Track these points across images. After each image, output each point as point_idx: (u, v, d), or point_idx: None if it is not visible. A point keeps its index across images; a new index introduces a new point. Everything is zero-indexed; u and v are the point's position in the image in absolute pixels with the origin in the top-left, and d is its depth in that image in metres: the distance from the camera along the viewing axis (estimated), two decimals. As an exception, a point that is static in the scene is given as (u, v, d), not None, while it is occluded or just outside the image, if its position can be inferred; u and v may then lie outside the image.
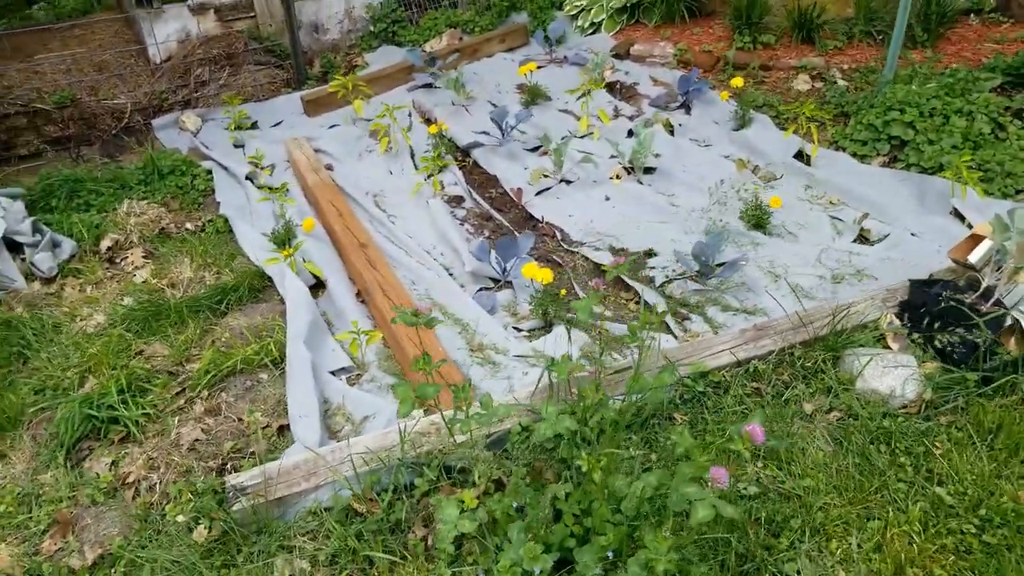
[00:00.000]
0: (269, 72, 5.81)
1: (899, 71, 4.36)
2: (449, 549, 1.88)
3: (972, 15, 5.71)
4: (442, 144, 4.31)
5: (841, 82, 4.86)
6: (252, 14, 5.80)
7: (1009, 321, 2.43)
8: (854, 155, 4.01)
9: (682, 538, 1.57)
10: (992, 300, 2.46)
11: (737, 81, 4.45)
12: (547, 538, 1.71)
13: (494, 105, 5.22)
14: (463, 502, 1.82)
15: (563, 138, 4.09)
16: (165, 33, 5.54)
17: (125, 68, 5.59)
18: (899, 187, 3.66)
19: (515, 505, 1.80)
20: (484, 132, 4.51)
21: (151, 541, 2.16)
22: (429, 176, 4.08)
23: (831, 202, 3.62)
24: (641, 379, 1.86)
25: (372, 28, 6.24)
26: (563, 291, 2.91)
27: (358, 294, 3.23)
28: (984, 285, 2.49)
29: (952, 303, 2.38)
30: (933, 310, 2.47)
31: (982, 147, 3.72)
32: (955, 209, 3.41)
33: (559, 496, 1.87)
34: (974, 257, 2.58)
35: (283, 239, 3.49)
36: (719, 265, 3.06)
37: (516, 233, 3.70)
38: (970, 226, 3.25)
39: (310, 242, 3.50)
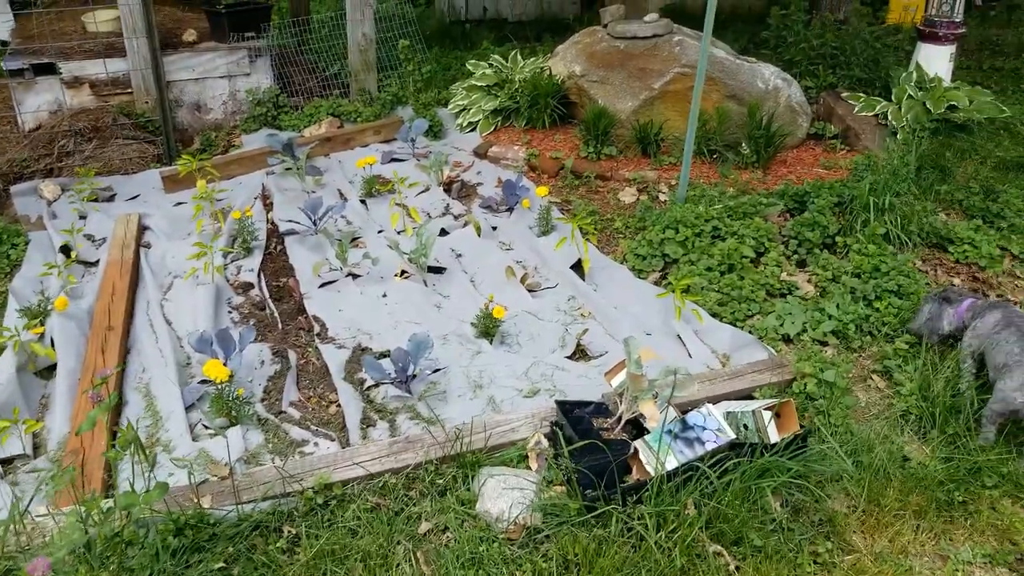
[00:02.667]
0: (139, 147, 5.99)
1: (690, 192, 4.54)
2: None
3: (814, 140, 5.99)
4: (246, 232, 4.42)
5: (663, 196, 5.05)
6: (129, 90, 6.03)
7: (632, 450, 2.48)
8: (633, 269, 4.14)
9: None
10: (620, 426, 2.51)
11: (542, 190, 4.63)
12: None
13: (342, 194, 5.41)
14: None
15: (376, 233, 4.21)
16: (37, 104, 5.76)
17: (-4, 134, 5.78)
18: (654, 305, 3.77)
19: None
20: (296, 221, 4.65)
21: None
22: (229, 259, 4.21)
23: (583, 315, 3.71)
24: (131, 495, 1.91)
25: (254, 111, 6.48)
26: (240, 391, 2.96)
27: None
28: (619, 411, 2.55)
29: (558, 427, 2.44)
30: (566, 433, 2.52)
31: (737, 270, 3.85)
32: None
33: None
34: (615, 382, 2.65)
35: (36, 315, 3.56)
36: (435, 371, 3.13)
37: (280, 324, 3.79)
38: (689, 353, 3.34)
39: (65, 321, 3.56)
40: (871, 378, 3.42)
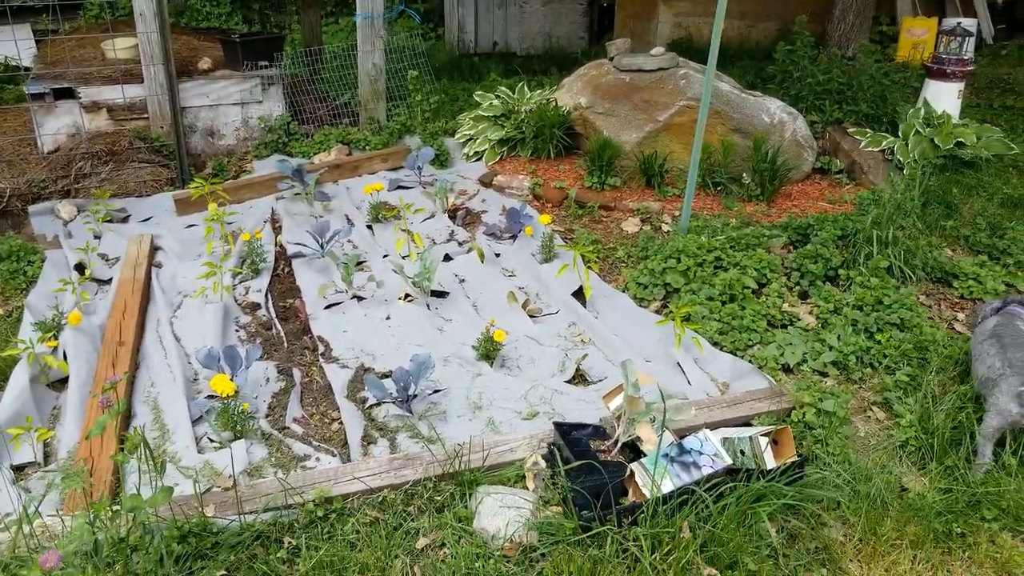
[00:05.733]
0: (154, 170, 6.12)
1: (694, 223, 4.60)
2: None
3: (820, 174, 6.06)
4: (255, 254, 4.50)
5: (666, 227, 5.11)
6: (145, 115, 6.17)
7: (628, 472, 2.50)
8: (635, 298, 4.18)
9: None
10: (617, 449, 2.54)
11: (545, 218, 4.70)
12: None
13: (349, 219, 5.50)
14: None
15: (359, 257, 4.28)
16: (56, 127, 5.90)
17: (17, 156, 5.91)
18: (655, 333, 3.80)
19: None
20: (304, 244, 4.72)
21: None
22: (238, 280, 4.29)
23: (583, 341, 3.75)
24: (136, 498, 1.95)
25: (265, 138, 6.61)
26: (245, 405, 3.01)
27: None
28: (616, 433, 2.58)
29: (556, 448, 2.46)
30: (563, 454, 2.55)
31: (739, 300, 3.89)
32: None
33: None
34: (612, 405, 2.68)
35: (50, 329, 3.62)
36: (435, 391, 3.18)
37: (286, 343, 3.85)
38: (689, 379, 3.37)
39: (78, 336, 3.62)
40: (871, 409, 3.43)
